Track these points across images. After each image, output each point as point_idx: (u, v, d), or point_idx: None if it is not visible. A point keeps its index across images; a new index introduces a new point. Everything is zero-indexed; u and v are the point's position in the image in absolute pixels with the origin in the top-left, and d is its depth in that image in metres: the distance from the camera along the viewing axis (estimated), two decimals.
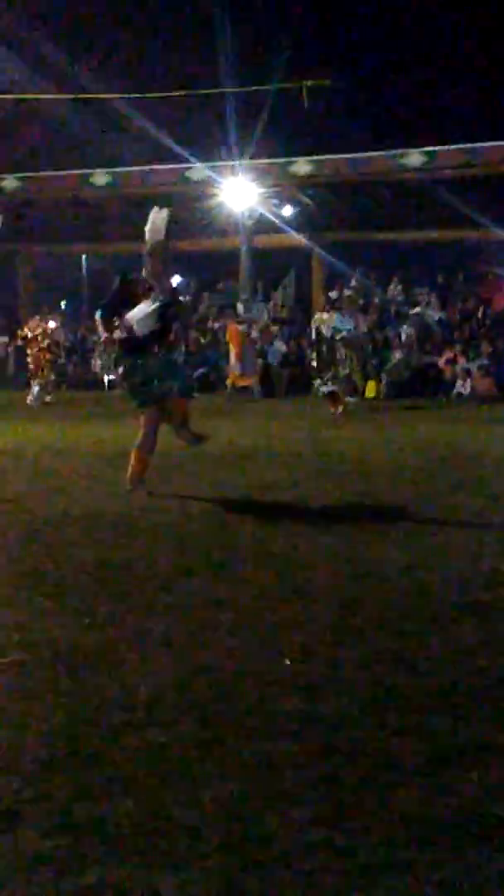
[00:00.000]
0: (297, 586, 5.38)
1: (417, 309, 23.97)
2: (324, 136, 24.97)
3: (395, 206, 23.85)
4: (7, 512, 7.56)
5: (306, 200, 24.64)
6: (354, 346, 17.05)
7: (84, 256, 32.13)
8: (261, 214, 23.84)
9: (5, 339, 25.73)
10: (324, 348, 16.26)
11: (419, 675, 4.03)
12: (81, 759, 3.27)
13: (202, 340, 24.43)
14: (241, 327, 20.95)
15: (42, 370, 19.25)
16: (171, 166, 23.38)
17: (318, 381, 16.36)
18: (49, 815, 2.91)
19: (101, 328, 8.84)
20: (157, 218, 8.50)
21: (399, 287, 25.51)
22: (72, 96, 24.70)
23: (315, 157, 22.82)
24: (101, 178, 23.80)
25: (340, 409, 15.83)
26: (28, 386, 19.92)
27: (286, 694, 3.79)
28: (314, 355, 16.80)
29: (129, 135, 25.02)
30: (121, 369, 8.59)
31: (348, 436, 13.21)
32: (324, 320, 16.53)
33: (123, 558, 6.02)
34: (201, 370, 22.94)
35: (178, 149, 23.01)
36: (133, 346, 8.20)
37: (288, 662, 3.58)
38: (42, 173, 24.47)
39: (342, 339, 16.36)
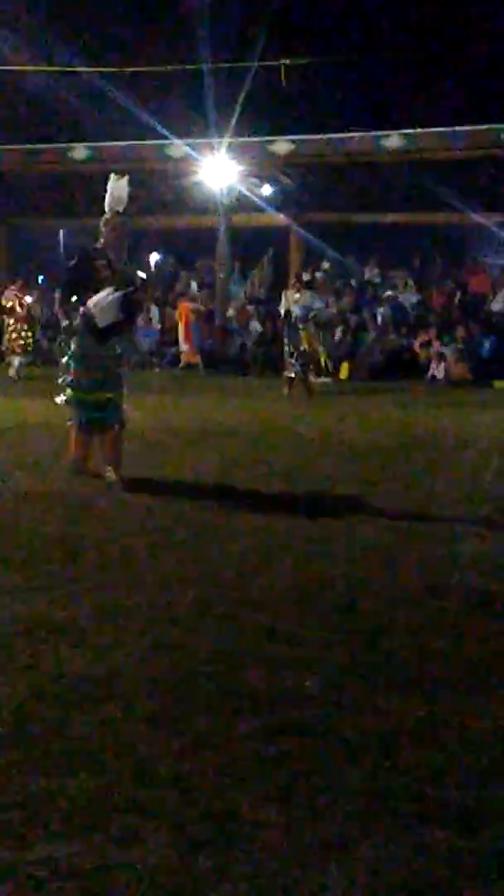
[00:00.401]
0: (265, 564, 5.40)
1: (392, 292, 24.00)
2: (304, 116, 24.86)
3: (375, 188, 23.83)
4: None
5: (286, 180, 24.56)
6: (324, 326, 17.11)
7: (62, 231, 31.90)
8: (240, 193, 23.75)
9: None
10: (294, 328, 16.19)
11: (381, 654, 4.06)
12: (36, 733, 3.26)
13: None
14: (191, 305, 21.08)
15: (22, 343, 19.02)
16: (150, 142, 23.25)
17: (293, 365, 16.31)
18: (2, 788, 2.91)
19: (59, 308, 8.69)
20: (117, 187, 8.11)
21: (376, 269, 25.51)
22: (52, 69, 24.49)
23: (295, 137, 22.74)
24: (80, 152, 23.64)
25: (286, 390, 15.92)
26: (2, 359, 19.77)
27: (246, 672, 3.81)
28: (286, 336, 16.68)
29: (110, 110, 24.83)
30: (70, 352, 7.96)
31: (321, 416, 13.25)
32: (296, 300, 16.44)
33: (91, 535, 6.00)
34: (174, 348, 22.91)
35: (158, 125, 22.89)
36: (91, 336, 7.69)
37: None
38: (21, 146, 24.28)
39: (313, 317, 16.36)
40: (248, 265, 26.55)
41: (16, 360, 18.93)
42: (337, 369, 20.71)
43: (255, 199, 24.31)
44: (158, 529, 6.19)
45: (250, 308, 23.91)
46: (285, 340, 16.62)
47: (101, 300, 7.65)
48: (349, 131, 22.35)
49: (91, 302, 7.69)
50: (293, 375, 16.12)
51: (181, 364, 20.84)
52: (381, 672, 3.86)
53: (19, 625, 4.31)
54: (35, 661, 3.89)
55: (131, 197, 8.19)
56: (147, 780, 2.97)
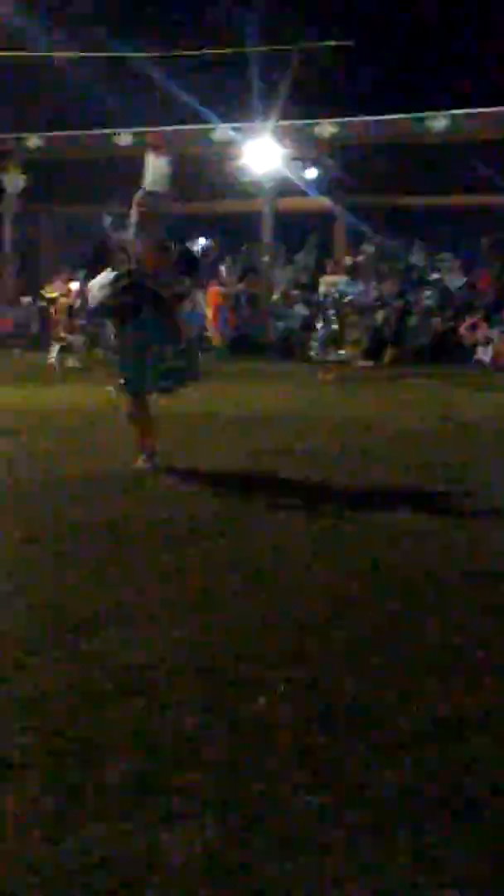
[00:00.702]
0: (306, 551, 5.41)
1: (438, 275, 23.82)
2: (349, 98, 24.68)
3: (420, 170, 23.64)
4: (22, 469, 7.62)
5: (330, 163, 24.45)
6: (364, 311, 17.02)
7: (107, 217, 32.01)
8: (284, 177, 23.68)
9: (28, 299, 25.69)
10: (331, 312, 16.12)
11: (421, 645, 4.07)
12: (80, 720, 3.31)
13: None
14: (220, 289, 21.10)
15: (64, 332, 19.16)
16: (194, 127, 23.25)
17: (315, 348, 16.23)
18: (47, 774, 2.96)
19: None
20: (159, 164, 7.96)
21: (422, 252, 25.32)
22: (95, 55, 24.53)
23: (340, 120, 22.64)
24: (124, 137, 23.70)
25: (330, 376, 15.81)
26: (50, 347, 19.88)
27: (286, 661, 3.83)
28: (321, 320, 16.59)
29: (154, 95, 24.85)
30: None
31: (363, 401, 13.22)
32: (334, 283, 16.38)
33: (130, 521, 6.04)
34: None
35: (202, 109, 22.88)
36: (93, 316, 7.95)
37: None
38: (65, 132, 24.38)
39: (349, 302, 16.28)
40: (293, 249, 26.49)
41: (56, 348, 19.01)
42: (381, 354, 20.65)
43: (300, 183, 24.23)
44: (200, 516, 6.21)
45: (295, 293, 23.85)
46: (318, 325, 16.60)
47: (98, 280, 7.79)
48: (394, 113, 22.20)
49: (91, 281, 7.91)
50: (329, 359, 16.08)
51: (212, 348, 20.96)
52: (421, 661, 3.88)
53: (62, 612, 4.35)
54: (78, 648, 3.93)
55: (173, 178, 8.05)
56: (190, 765, 3.01)
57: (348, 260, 20.84)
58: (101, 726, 3.25)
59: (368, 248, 22.91)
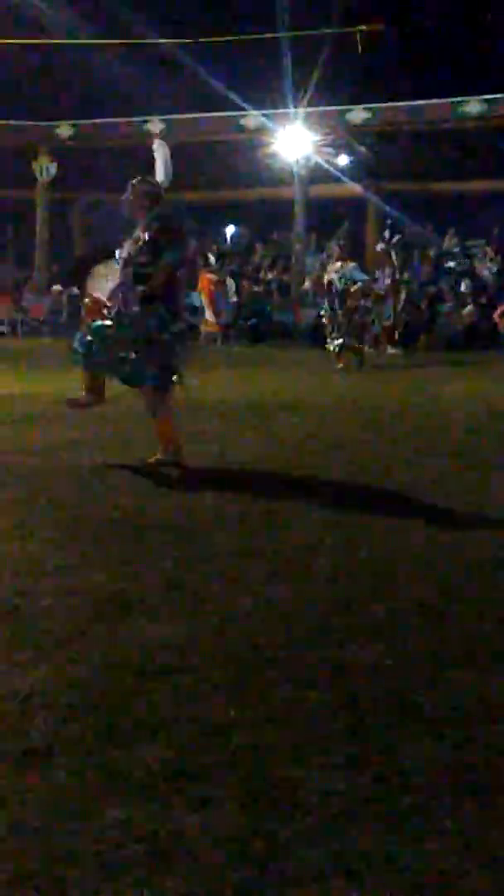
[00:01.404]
0: (335, 537, 5.39)
1: (465, 261, 23.63)
2: (381, 84, 24.52)
3: (453, 156, 23.48)
4: (52, 458, 7.62)
5: (362, 149, 24.32)
6: (378, 298, 16.83)
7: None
8: (316, 163, 23.58)
9: (59, 287, 25.78)
10: (336, 301, 15.89)
11: (452, 628, 4.03)
12: (112, 703, 3.31)
13: (256, 289, 24.31)
14: (212, 276, 21.01)
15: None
16: (225, 114, 23.20)
17: (332, 339, 16.03)
18: (79, 755, 2.96)
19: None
20: (166, 153, 7.90)
21: (455, 239, 25.15)
22: (125, 41, 24.51)
23: (372, 105, 22.50)
24: (156, 125, 23.68)
25: (341, 364, 15.64)
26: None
27: (316, 644, 3.82)
28: (326, 308, 16.34)
29: (184, 82, 24.79)
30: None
31: (390, 388, 13.15)
32: (336, 270, 16.14)
33: (163, 508, 6.05)
34: (253, 321, 22.91)
35: (233, 96, 22.81)
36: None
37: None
38: (96, 120, 24.40)
39: (357, 290, 16.06)
40: (325, 236, 26.37)
41: None
42: (413, 341, 20.53)
43: (332, 170, 24.12)
44: (231, 502, 6.20)
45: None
46: (322, 312, 16.42)
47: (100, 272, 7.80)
48: (427, 98, 22.02)
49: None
50: (341, 345, 15.87)
51: (202, 335, 20.86)
52: (456, 645, 3.84)
53: (92, 597, 4.36)
54: (108, 633, 3.94)
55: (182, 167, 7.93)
56: (220, 749, 3.00)
57: (380, 245, 20.67)
58: (129, 712, 3.24)
59: (392, 237, 22.71)
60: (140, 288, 7.11)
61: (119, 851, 2.50)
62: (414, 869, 2.43)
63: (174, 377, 7.29)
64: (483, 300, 21.88)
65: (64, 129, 24.31)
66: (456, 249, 24.61)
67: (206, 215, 29.13)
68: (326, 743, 3.04)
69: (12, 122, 24.37)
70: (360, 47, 22.28)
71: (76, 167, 25.57)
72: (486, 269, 23.12)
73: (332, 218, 25.97)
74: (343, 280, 15.79)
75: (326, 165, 23.86)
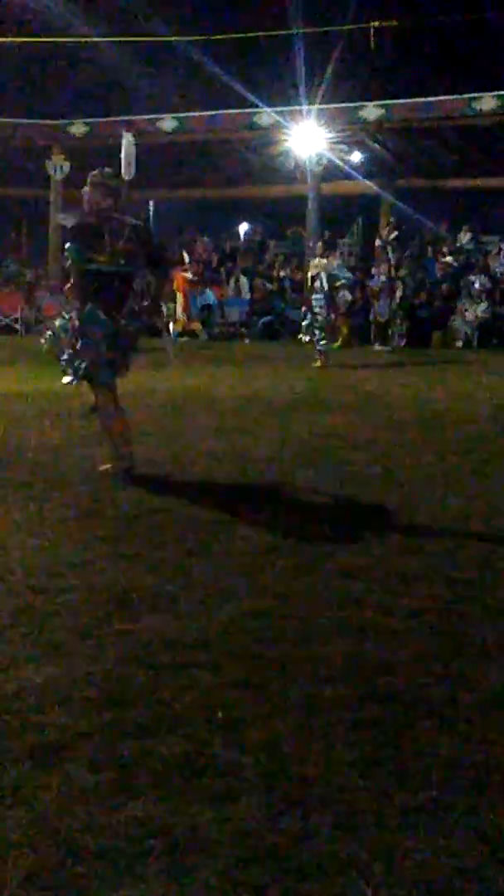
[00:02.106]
0: (351, 533, 5.39)
1: (471, 258, 23.53)
2: (394, 80, 24.47)
3: (467, 152, 23.39)
4: (68, 455, 7.62)
5: (376, 146, 24.26)
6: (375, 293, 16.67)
7: (151, 203, 32.01)
8: (329, 160, 23.52)
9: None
10: (321, 297, 15.70)
11: (470, 624, 4.03)
12: (128, 698, 3.32)
13: (269, 287, 24.27)
14: (185, 274, 20.95)
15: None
16: (239, 111, 23.16)
17: (305, 335, 15.91)
18: (96, 750, 2.97)
19: None
20: (132, 150, 7.66)
21: (469, 235, 25.06)
22: (138, 38, 24.50)
23: (385, 102, 22.42)
24: (168, 122, 23.66)
25: (319, 362, 15.45)
26: None
27: (333, 639, 3.82)
28: (306, 306, 16.18)
29: (197, 80, 24.80)
30: None
31: (406, 386, 13.12)
32: (322, 266, 15.95)
33: (178, 504, 6.06)
34: (268, 318, 22.89)
35: (246, 93, 22.77)
36: None
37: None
38: (109, 118, 24.39)
39: (340, 286, 15.90)
40: (338, 234, 26.34)
41: None
42: (427, 339, 20.48)
43: (345, 167, 24.06)
44: (247, 498, 6.21)
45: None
46: (304, 308, 16.26)
47: None
48: (441, 94, 21.94)
49: None
50: (308, 339, 15.79)
51: (181, 333, 20.85)
52: (471, 641, 3.84)
53: (110, 592, 4.37)
54: (126, 628, 3.95)
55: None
56: (236, 744, 3.00)
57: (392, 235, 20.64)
58: (145, 707, 3.25)
59: (390, 234, 22.61)
60: (129, 297, 6.95)
61: (135, 846, 2.50)
62: (430, 865, 2.43)
63: (119, 374, 7.06)
64: (497, 297, 21.78)
65: (77, 128, 24.30)
66: (470, 246, 24.50)
67: (219, 213, 29.17)
68: (341, 738, 3.04)
69: (25, 120, 24.41)
70: (373, 44, 22.22)
71: (89, 166, 25.59)
72: (500, 266, 23.01)
73: (345, 215, 26.00)
74: (330, 277, 15.64)
75: (340, 162, 23.81)
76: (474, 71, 24.57)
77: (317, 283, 15.71)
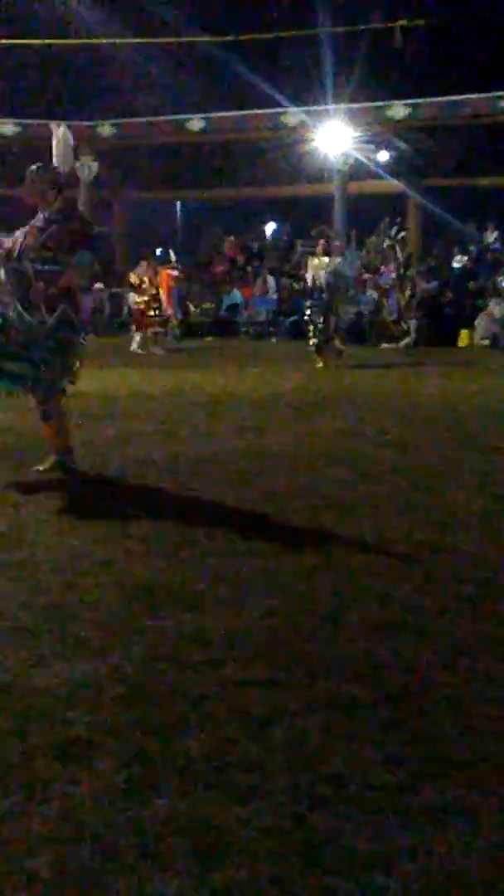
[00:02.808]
0: (375, 531, 5.38)
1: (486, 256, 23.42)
2: (421, 79, 24.36)
3: (493, 150, 23.28)
4: (95, 454, 7.61)
5: (402, 145, 24.20)
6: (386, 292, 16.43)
7: (179, 203, 32.13)
8: (356, 160, 23.48)
9: (100, 285, 25.82)
10: (323, 295, 15.33)
11: (493, 622, 4.01)
12: (155, 695, 3.33)
13: (296, 287, 24.24)
14: (172, 273, 20.85)
15: (148, 318, 18.91)
16: (265, 111, 23.15)
17: (312, 338, 15.55)
18: (122, 747, 2.98)
19: None
20: (66, 135, 7.25)
21: (496, 234, 24.95)
22: (163, 40, 24.52)
23: (412, 101, 22.35)
24: (196, 123, 23.69)
25: (321, 363, 15.05)
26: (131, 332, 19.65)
27: (360, 637, 3.82)
28: (307, 304, 15.80)
29: (224, 80, 24.79)
30: None
31: (433, 384, 13.08)
32: (316, 266, 15.58)
33: (206, 503, 6.07)
34: (294, 317, 22.88)
35: (272, 93, 22.77)
36: None
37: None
38: (137, 119, 24.45)
39: (343, 285, 15.54)
40: (365, 233, 26.25)
41: (138, 336, 18.90)
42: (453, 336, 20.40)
43: (372, 166, 24.01)
44: (274, 498, 6.20)
45: (367, 277, 23.66)
46: (307, 308, 15.81)
47: None
48: (467, 93, 21.83)
49: None
50: (317, 345, 15.27)
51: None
52: (497, 639, 3.82)
53: (138, 589, 4.39)
54: (153, 625, 3.96)
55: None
56: (263, 742, 3.01)
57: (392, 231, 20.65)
58: (172, 704, 3.26)
59: (400, 233, 22.49)
60: (41, 286, 6.58)
61: (162, 843, 2.50)
62: (455, 863, 2.42)
63: (68, 380, 6.84)
64: None
65: (105, 129, 24.38)
66: (496, 246, 24.40)
67: (246, 213, 29.20)
68: (368, 737, 3.04)
69: (53, 121, 24.47)
70: (399, 43, 22.16)
71: (118, 166, 25.67)
72: None
73: (372, 214, 25.91)
74: (334, 276, 15.30)
75: (367, 162, 23.76)
76: (500, 69, 24.40)
77: (317, 283, 15.34)
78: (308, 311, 15.49)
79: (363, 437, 8.51)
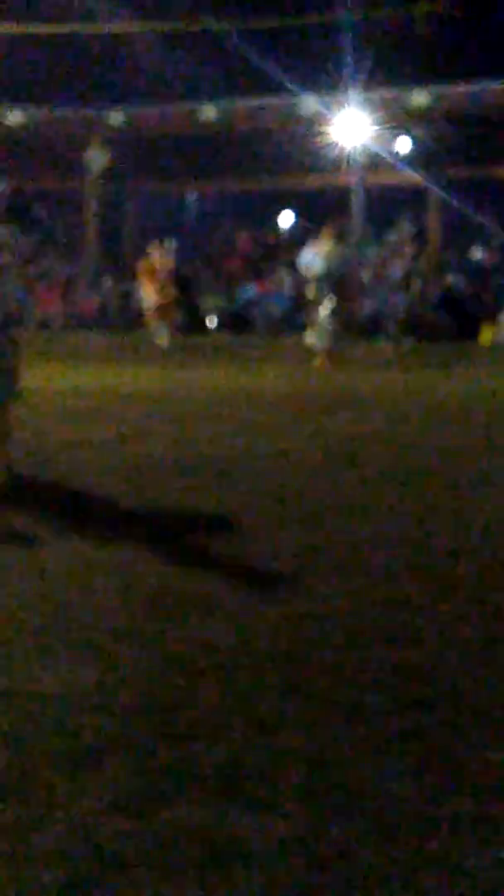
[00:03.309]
0: (395, 535, 5.27)
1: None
2: (441, 67, 23.71)
3: None
4: (106, 453, 7.52)
5: (422, 134, 23.56)
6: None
7: (190, 194, 31.55)
8: (374, 150, 22.85)
9: (110, 282, 25.19)
10: (317, 288, 14.51)
11: None
12: (167, 702, 3.25)
13: None
14: (152, 263, 20.11)
15: (168, 308, 18.22)
16: (281, 100, 22.57)
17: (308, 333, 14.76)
18: (133, 755, 2.90)
19: None
20: None
21: None
22: (175, 27, 23.93)
23: (432, 88, 21.79)
24: (209, 112, 23.14)
25: (318, 361, 14.31)
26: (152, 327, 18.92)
27: (377, 644, 3.73)
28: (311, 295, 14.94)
29: (238, 68, 24.19)
30: None
31: (455, 382, 12.88)
32: (318, 253, 14.75)
33: (219, 504, 5.99)
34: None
35: (288, 81, 22.14)
36: None
37: None
38: (149, 108, 23.94)
39: (336, 278, 14.69)
40: (385, 226, 25.62)
41: (163, 328, 18.12)
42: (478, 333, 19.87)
43: (391, 156, 23.39)
44: (289, 499, 6.10)
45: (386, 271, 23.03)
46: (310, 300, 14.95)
47: None
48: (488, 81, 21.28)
49: None
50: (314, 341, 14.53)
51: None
52: None
53: (150, 594, 4.31)
54: (163, 631, 3.86)
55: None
56: (276, 750, 2.93)
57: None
58: (184, 711, 3.18)
59: (405, 226, 21.84)
60: None
61: (173, 854, 2.43)
62: (477, 875, 2.35)
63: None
64: None
65: (115, 118, 23.79)
66: None
67: (261, 204, 28.59)
68: (387, 746, 2.96)
69: (61, 110, 23.99)
70: (421, 28, 21.58)
71: (128, 156, 25.06)
72: None
73: (391, 206, 25.27)
74: (329, 264, 14.41)
75: (385, 152, 23.16)
76: None
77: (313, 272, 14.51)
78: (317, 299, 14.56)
79: (383, 439, 8.37)
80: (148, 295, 18.56)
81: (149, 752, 2.90)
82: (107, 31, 23.89)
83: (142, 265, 18.95)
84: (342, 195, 24.14)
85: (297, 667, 3.52)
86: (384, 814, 2.58)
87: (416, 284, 19.98)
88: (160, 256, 18.55)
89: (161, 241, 19.84)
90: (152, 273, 18.40)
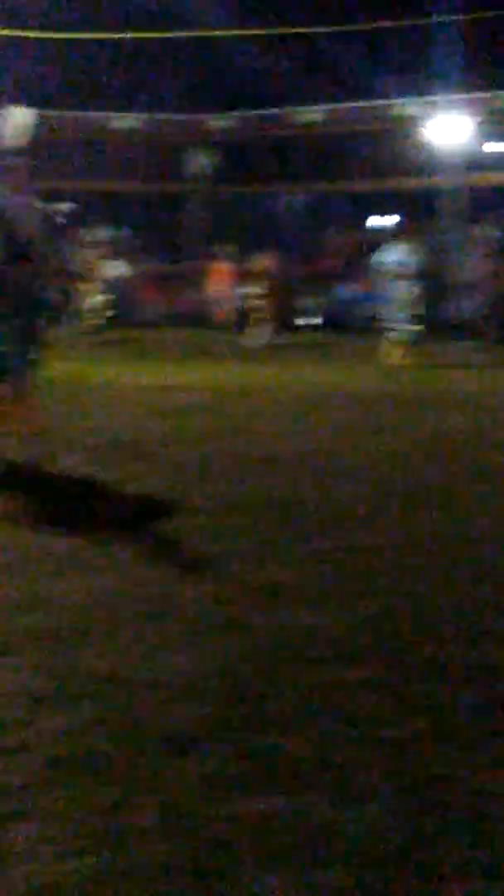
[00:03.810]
0: (483, 532, 5.26)
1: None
2: None
3: None
4: (206, 446, 7.63)
5: None
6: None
7: (288, 197, 31.88)
8: (473, 150, 22.97)
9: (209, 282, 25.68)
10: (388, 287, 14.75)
11: None
12: (265, 690, 3.29)
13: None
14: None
15: (267, 307, 18.70)
16: (381, 102, 22.86)
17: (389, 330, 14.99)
18: (228, 742, 2.95)
19: None
20: (21, 113, 6.65)
21: None
22: (278, 32, 24.38)
23: None
24: (311, 115, 23.48)
25: (393, 358, 14.40)
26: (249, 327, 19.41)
27: (464, 642, 3.73)
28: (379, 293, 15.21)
29: (335, 71, 24.57)
30: None
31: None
32: (382, 251, 15.01)
33: (322, 497, 6.01)
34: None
35: (389, 84, 22.47)
36: None
37: None
38: (251, 112, 24.38)
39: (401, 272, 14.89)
40: (480, 226, 25.65)
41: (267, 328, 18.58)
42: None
43: (490, 157, 23.47)
44: (388, 497, 6.09)
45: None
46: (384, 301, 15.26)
47: None
48: None
49: None
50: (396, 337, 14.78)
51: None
52: None
53: (252, 584, 4.35)
54: (267, 620, 3.92)
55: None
56: (367, 743, 2.94)
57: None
58: (278, 701, 3.22)
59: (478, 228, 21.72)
60: None
61: (263, 840, 2.48)
62: None
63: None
64: None
65: (216, 123, 24.35)
66: None
67: (358, 205, 28.81)
68: (476, 742, 2.96)
69: (165, 115, 24.58)
70: None
71: (234, 160, 25.61)
72: None
73: (487, 207, 25.29)
74: (416, 263, 14.72)
75: (484, 152, 23.22)
76: None
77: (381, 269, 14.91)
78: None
79: (469, 437, 8.33)
80: (248, 295, 19.20)
81: (244, 740, 2.95)
82: (209, 37, 24.44)
83: (241, 266, 19.51)
84: (438, 196, 24.32)
85: (395, 660, 3.53)
86: (468, 809, 2.60)
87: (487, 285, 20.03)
88: (259, 257, 19.08)
89: (258, 243, 20.48)
90: (251, 274, 18.99)
